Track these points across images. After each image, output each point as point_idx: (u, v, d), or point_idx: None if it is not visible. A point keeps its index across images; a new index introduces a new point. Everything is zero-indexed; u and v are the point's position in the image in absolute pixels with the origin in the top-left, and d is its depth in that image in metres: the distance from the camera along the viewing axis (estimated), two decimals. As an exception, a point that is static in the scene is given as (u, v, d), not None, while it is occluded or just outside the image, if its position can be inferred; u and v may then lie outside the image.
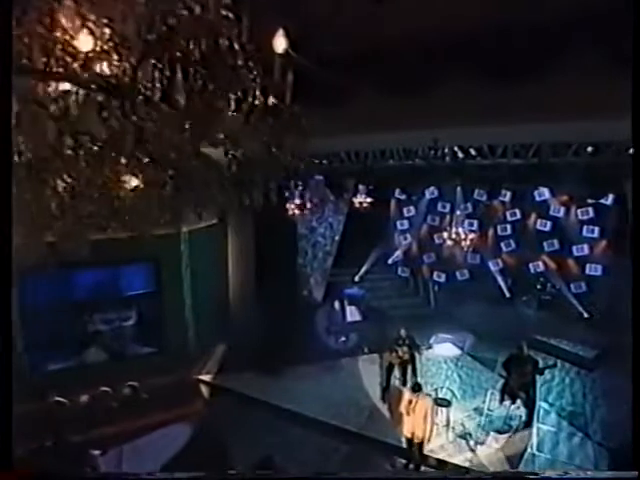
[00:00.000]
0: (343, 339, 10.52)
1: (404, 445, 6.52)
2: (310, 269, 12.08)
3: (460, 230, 9.70)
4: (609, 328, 9.62)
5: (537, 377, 7.42)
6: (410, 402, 6.23)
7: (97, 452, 5.73)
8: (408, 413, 6.21)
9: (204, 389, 8.85)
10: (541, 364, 7.52)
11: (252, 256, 10.91)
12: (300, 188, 10.48)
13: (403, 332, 8.13)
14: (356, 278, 12.78)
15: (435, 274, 12.81)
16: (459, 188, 10.22)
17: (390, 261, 13.22)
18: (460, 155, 7.97)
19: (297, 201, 10.46)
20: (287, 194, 10.62)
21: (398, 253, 13.17)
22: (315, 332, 10.85)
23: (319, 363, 9.37)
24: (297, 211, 10.46)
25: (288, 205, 10.43)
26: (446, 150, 8.00)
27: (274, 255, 10.81)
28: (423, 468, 6.39)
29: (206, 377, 9.02)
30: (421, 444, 6.27)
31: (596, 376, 8.79)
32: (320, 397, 8.14)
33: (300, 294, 12.02)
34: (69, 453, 5.97)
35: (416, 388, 6.40)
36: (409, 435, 6.27)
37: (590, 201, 10.60)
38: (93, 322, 7.74)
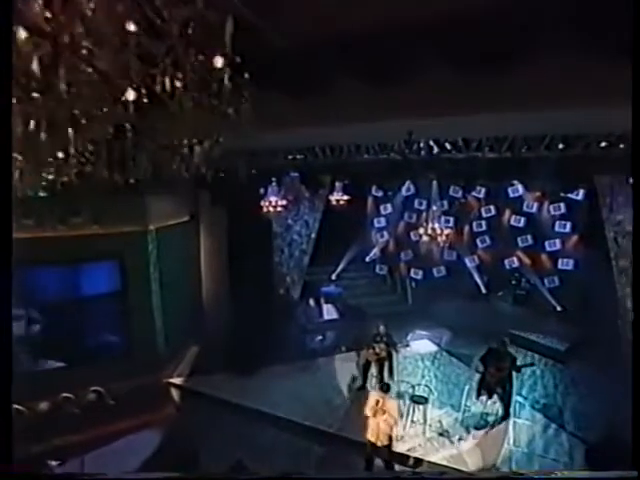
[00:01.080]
0: (320, 337, 10.35)
1: (377, 444, 6.22)
2: (286, 268, 11.85)
3: (436, 226, 9.66)
4: (582, 321, 9.80)
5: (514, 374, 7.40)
6: (377, 402, 5.95)
7: (55, 463, 5.36)
8: (375, 415, 5.94)
9: (175, 393, 8.52)
10: (519, 361, 7.51)
11: (225, 255, 10.61)
12: (274, 185, 10.26)
13: (382, 328, 7.99)
14: (333, 276, 12.64)
15: (412, 271, 12.80)
16: (434, 183, 10.21)
17: (367, 259, 13.14)
18: (435, 149, 7.90)
19: (272, 198, 10.24)
20: (261, 191, 10.40)
21: (375, 251, 13.11)
22: (292, 331, 10.65)
23: (296, 362, 9.16)
24: (272, 208, 10.23)
25: (262, 202, 10.19)
26: (421, 144, 7.92)
27: (249, 253, 10.53)
28: (397, 467, 6.25)
29: (177, 380, 8.68)
30: (389, 445, 6.06)
31: (569, 368, 8.89)
32: (296, 397, 7.93)
33: (276, 293, 11.77)
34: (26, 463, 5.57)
35: (384, 388, 6.19)
36: (374, 437, 6.02)
37: (562, 195, 10.79)
38: (50, 324, 7.28)
